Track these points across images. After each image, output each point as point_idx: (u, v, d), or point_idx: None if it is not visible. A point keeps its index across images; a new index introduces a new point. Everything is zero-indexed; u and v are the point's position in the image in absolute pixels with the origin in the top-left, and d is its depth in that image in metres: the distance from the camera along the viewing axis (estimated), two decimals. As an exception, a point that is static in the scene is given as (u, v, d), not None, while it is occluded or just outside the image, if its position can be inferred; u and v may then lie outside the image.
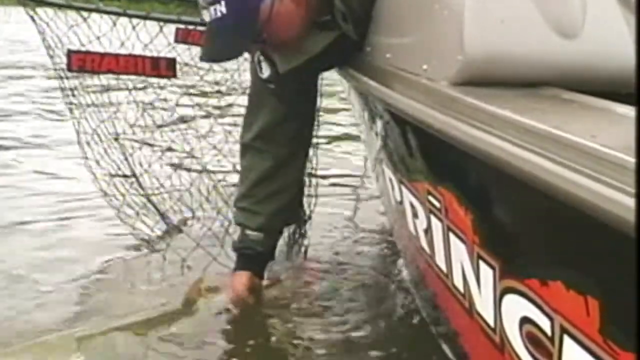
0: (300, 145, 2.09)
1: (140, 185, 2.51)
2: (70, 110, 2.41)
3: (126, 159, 2.49)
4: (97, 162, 2.44)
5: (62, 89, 2.36)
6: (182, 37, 2.36)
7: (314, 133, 2.27)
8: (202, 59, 1.87)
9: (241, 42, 1.60)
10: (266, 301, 2.03)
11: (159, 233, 2.51)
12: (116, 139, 2.46)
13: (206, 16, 1.61)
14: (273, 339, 1.85)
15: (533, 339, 1.01)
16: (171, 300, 1.98)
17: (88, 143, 2.42)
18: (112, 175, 2.47)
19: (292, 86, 1.91)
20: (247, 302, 1.98)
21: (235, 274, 2.05)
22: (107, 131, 2.43)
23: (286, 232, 2.44)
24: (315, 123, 2.29)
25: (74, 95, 2.38)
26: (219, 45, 1.65)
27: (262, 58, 1.86)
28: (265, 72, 1.86)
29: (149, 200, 2.54)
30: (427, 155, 1.38)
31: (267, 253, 2.08)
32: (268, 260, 2.11)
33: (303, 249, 2.41)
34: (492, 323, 1.16)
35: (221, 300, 1.98)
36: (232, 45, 1.62)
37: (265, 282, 2.10)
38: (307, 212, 2.50)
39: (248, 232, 2.03)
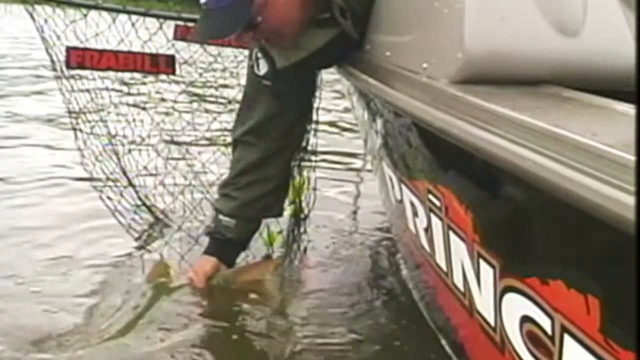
0: (290, 142, 2.12)
1: (131, 184, 2.52)
2: (68, 109, 2.40)
3: (119, 160, 2.49)
4: (93, 164, 2.44)
5: (60, 87, 2.36)
6: (182, 34, 2.35)
7: (309, 129, 2.30)
8: (194, 39, 1.90)
9: (235, 23, 1.60)
10: (229, 288, 2.06)
11: (156, 232, 2.51)
12: (112, 138, 2.47)
13: None
14: (230, 328, 1.85)
15: (533, 338, 1.01)
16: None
17: (85, 142, 2.42)
18: (107, 177, 2.47)
19: (288, 84, 1.93)
20: (201, 287, 2.01)
21: (202, 258, 2.09)
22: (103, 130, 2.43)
23: (285, 231, 2.46)
24: (312, 121, 2.30)
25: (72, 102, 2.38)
26: (211, 25, 1.65)
27: (260, 55, 1.88)
28: (262, 69, 1.88)
29: (143, 203, 2.54)
30: (427, 153, 1.38)
31: (237, 241, 2.10)
32: (238, 249, 2.15)
33: (302, 247, 2.42)
34: (492, 322, 1.16)
35: (177, 283, 2.02)
36: (224, 25, 1.61)
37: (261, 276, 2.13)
38: (306, 209, 2.50)
39: (221, 217, 2.07)
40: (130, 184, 2.52)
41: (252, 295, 2.04)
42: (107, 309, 1.89)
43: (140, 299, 1.92)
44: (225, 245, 2.08)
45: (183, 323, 1.83)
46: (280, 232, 2.44)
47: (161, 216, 2.58)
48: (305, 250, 2.42)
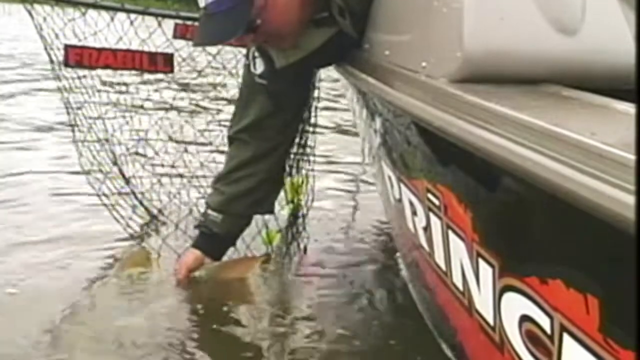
0: (284, 140, 2.14)
1: (127, 182, 2.51)
2: (66, 107, 2.39)
3: (115, 160, 2.48)
4: (91, 162, 2.44)
5: (59, 87, 2.35)
6: (181, 33, 2.35)
7: (308, 128, 2.32)
8: (195, 44, 1.92)
9: (235, 27, 1.59)
10: (210, 282, 2.09)
11: (153, 231, 2.50)
12: (109, 137, 2.46)
13: (201, 1, 1.61)
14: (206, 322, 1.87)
15: (532, 337, 1.00)
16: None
17: (82, 141, 2.41)
18: (105, 176, 2.47)
19: (285, 83, 1.93)
20: (180, 279, 2.07)
21: (187, 251, 2.13)
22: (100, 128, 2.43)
23: (284, 229, 2.45)
24: (310, 120, 2.31)
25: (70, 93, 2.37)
26: (211, 29, 1.63)
27: (257, 54, 1.88)
28: (259, 68, 1.90)
29: (140, 202, 2.54)
30: (426, 152, 1.38)
31: (223, 236, 2.12)
32: (226, 244, 2.16)
33: (302, 245, 2.41)
34: (491, 321, 1.16)
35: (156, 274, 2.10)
36: (225, 29, 1.60)
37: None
38: (305, 208, 2.50)
39: (209, 211, 2.10)
40: (127, 182, 2.51)
41: (234, 290, 2.06)
42: (88, 300, 1.94)
43: (119, 289, 1.98)
44: (211, 239, 2.10)
45: (152, 313, 1.86)
46: (279, 230, 2.44)
47: (157, 214, 2.58)
48: (305, 248, 2.41)
